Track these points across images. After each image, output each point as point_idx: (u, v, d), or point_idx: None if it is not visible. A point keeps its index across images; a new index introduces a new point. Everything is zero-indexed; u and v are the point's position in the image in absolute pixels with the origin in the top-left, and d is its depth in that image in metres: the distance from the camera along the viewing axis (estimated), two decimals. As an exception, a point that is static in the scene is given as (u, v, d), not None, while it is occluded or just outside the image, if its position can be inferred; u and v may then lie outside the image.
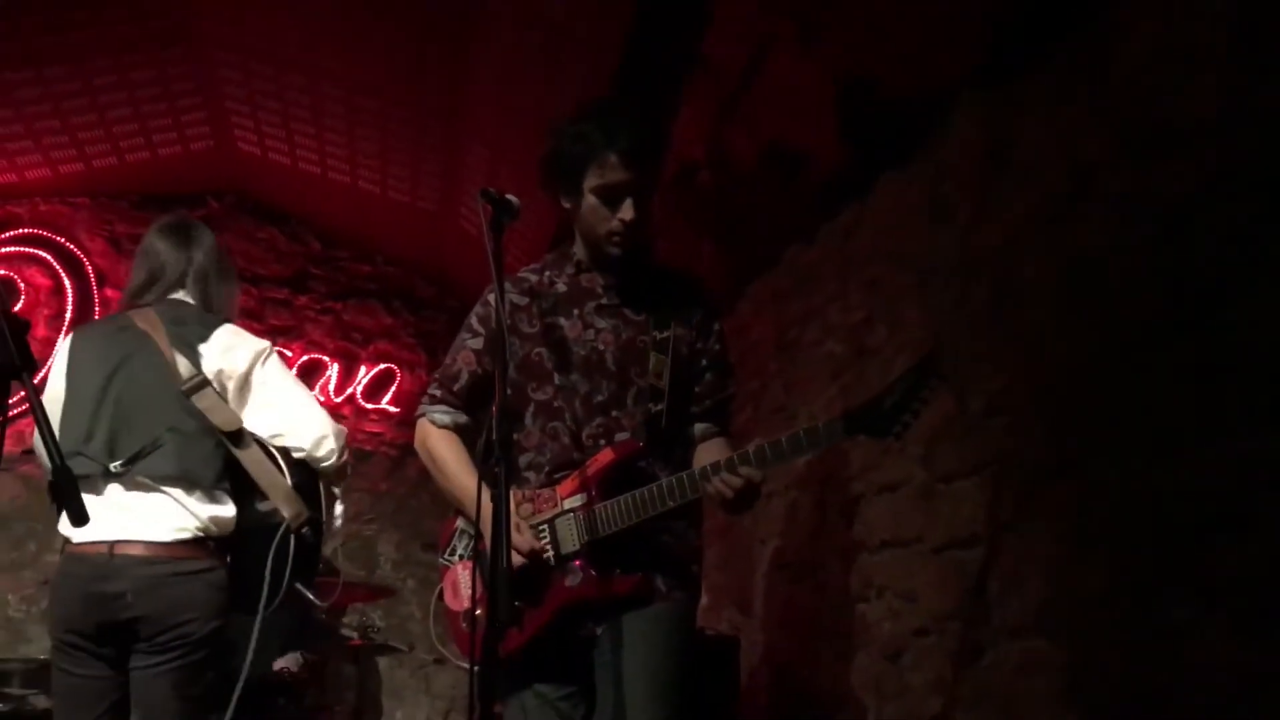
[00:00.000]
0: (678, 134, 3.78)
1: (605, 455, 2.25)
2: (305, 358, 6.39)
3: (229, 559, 2.61)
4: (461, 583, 2.39)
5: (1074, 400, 2.22)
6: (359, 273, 6.70)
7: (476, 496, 2.02)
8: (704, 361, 2.41)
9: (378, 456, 6.46)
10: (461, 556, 2.42)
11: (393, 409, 6.49)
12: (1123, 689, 1.98)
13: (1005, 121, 2.51)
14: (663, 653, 2.21)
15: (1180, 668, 1.83)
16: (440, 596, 2.46)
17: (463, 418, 2.46)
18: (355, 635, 5.32)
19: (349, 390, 6.46)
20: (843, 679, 3.18)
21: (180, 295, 2.78)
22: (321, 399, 6.06)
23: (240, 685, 2.55)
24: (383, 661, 6.06)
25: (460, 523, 2.46)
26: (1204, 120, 1.90)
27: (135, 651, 2.50)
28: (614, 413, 2.31)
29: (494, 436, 1.96)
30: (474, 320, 2.48)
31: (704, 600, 3.54)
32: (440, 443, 2.44)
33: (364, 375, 6.50)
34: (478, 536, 2.10)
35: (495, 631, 1.83)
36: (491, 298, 2.35)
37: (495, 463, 1.93)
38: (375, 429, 6.50)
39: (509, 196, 2.11)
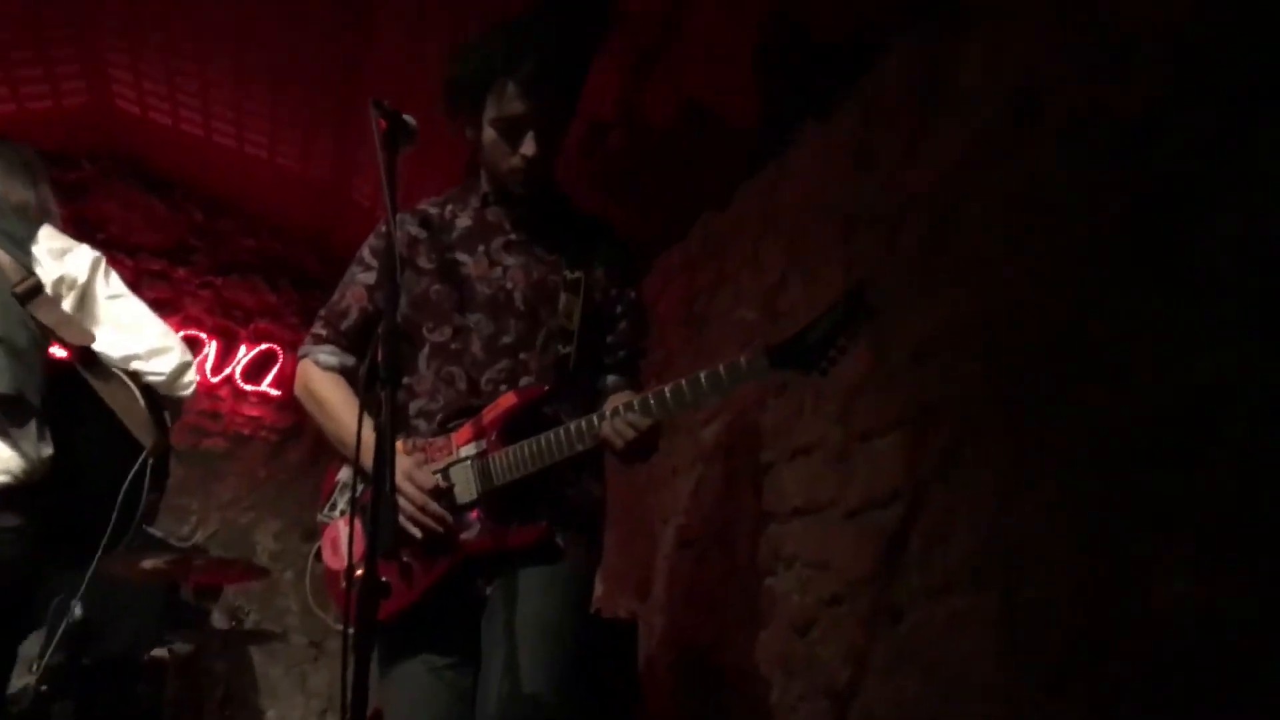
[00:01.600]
0: (587, 93, 3.61)
1: (506, 400, 2.08)
2: (181, 334, 5.99)
3: (56, 499, 2.18)
4: (342, 539, 2.19)
5: (1018, 333, 2.08)
6: (242, 246, 6.30)
7: (357, 430, 1.80)
8: (618, 309, 2.26)
9: (256, 441, 6.09)
10: (343, 512, 2.22)
11: (273, 392, 6.13)
12: (1067, 637, 1.83)
13: (944, 48, 2.39)
14: (559, 604, 2.01)
15: (1135, 607, 1.70)
16: (318, 555, 2.26)
17: (350, 360, 2.28)
18: (225, 623, 4.99)
19: (226, 370, 6.08)
20: (748, 657, 3.02)
21: None
22: (198, 378, 5.73)
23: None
24: (256, 657, 5.69)
25: (342, 475, 2.26)
26: (1163, 25, 1.79)
27: None
28: (521, 355, 2.14)
29: (379, 360, 1.75)
30: (366, 253, 2.30)
31: (599, 590, 3.35)
32: (324, 383, 2.26)
33: (244, 355, 6.12)
34: (357, 486, 1.88)
35: (373, 577, 1.63)
36: (385, 228, 2.16)
37: (380, 385, 1.71)
38: (254, 413, 6.13)
39: (406, 116, 1.91)
